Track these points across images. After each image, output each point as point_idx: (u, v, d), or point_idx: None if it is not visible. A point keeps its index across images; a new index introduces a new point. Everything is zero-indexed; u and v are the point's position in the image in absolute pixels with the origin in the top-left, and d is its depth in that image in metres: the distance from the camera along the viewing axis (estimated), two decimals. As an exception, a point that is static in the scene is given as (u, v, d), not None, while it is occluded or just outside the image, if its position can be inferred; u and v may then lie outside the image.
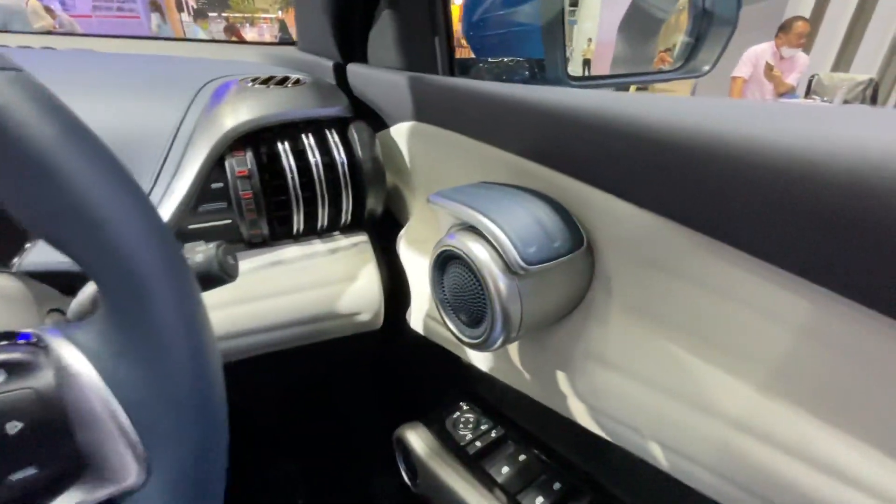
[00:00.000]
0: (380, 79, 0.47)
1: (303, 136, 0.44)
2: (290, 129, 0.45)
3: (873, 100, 3.13)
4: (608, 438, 0.33)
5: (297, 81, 0.47)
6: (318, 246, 0.48)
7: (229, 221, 0.44)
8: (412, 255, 0.47)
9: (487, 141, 0.35)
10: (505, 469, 0.43)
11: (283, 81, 0.47)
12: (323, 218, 0.46)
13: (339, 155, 0.45)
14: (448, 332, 0.39)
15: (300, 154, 0.44)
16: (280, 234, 0.47)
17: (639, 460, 0.34)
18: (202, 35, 4.88)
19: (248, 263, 0.45)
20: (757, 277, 0.23)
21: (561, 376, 0.35)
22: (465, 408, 0.51)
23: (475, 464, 0.44)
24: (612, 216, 0.29)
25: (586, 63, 2.99)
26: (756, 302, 0.24)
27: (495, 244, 0.28)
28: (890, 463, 0.20)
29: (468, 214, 0.29)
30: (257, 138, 0.44)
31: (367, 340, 0.56)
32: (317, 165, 0.44)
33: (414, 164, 0.46)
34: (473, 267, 0.29)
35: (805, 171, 0.19)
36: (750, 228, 0.22)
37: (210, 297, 0.44)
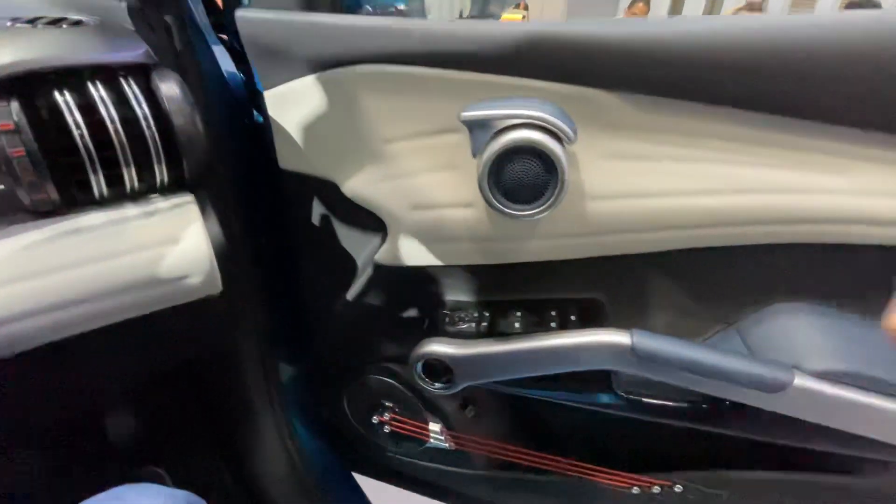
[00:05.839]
0: (292, 22, 0.45)
1: (90, 86, 0.39)
2: (73, 79, 0.39)
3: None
4: (618, 252, 0.46)
5: (78, 23, 0.41)
6: (129, 210, 0.43)
7: (1, 187, 0.38)
8: (388, 191, 0.49)
9: (465, 68, 0.41)
10: (517, 325, 0.50)
11: (56, 22, 0.41)
12: (132, 179, 0.42)
13: (142, 108, 0.41)
14: (448, 246, 0.50)
15: (91, 108, 0.39)
16: (82, 200, 0.41)
17: (626, 264, 0.47)
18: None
19: (36, 234, 0.40)
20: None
21: (565, 226, 0.45)
22: (451, 308, 0.55)
23: (494, 331, 0.51)
24: (585, 100, 0.40)
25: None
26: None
27: (551, 127, 0.38)
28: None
29: (521, 113, 0.38)
30: (31, 89, 0.37)
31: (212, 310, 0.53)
32: (112, 120, 0.39)
33: (364, 108, 0.46)
34: (540, 149, 0.38)
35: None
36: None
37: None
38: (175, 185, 0.46)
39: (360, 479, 0.82)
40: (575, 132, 0.39)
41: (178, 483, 0.73)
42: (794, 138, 0.38)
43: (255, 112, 0.60)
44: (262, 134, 0.55)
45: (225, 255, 0.50)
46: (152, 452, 0.75)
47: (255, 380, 0.72)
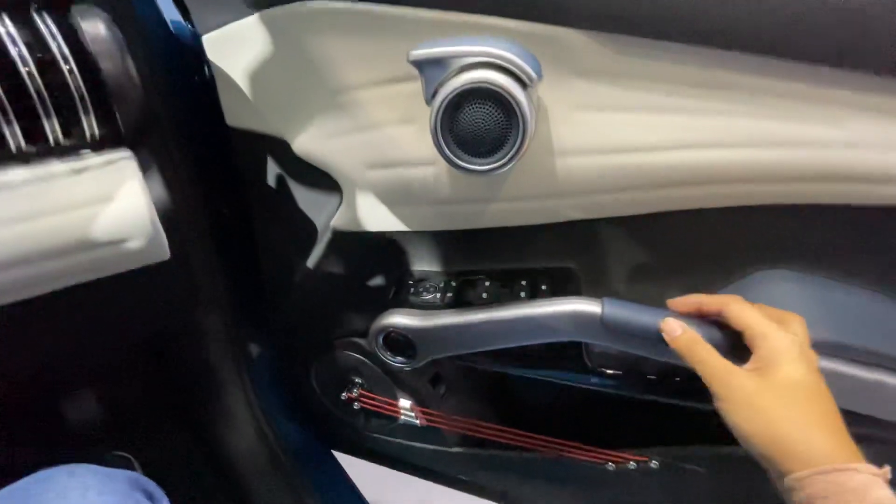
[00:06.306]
0: None
1: None
2: None
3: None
4: (592, 216, 0.42)
5: None
6: (55, 166, 0.40)
7: None
8: (340, 148, 0.45)
9: (423, 4, 0.37)
10: (484, 296, 0.47)
11: None
12: (55, 132, 0.38)
13: (60, 48, 0.37)
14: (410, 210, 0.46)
15: None
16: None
17: (600, 230, 0.44)
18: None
19: None
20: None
21: (534, 186, 0.42)
22: (416, 279, 0.52)
23: (461, 302, 0.48)
24: (554, 41, 0.36)
25: None
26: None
27: (510, 66, 0.33)
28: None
29: (475, 50, 0.34)
30: None
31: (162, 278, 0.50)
32: (24, 61, 0.35)
33: (311, 53, 0.42)
34: (498, 91, 0.33)
35: None
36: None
37: None
38: (111, 141, 0.42)
39: (350, 459, 0.80)
40: (539, 73, 0.35)
41: (147, 467, 0.71)
42: (786, 84, 0.34)
43: (207, 67, 0.56)
44: (213, 89, 0.51)
45: (173, 219, 0.47)
46: (117, 436, 0.73)
47: (222, 355, 0.69)
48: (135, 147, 0.44)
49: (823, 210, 0.38)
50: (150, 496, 0.41)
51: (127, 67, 0.40)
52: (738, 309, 0.34)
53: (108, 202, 0.41)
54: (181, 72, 0.54)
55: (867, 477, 0.27)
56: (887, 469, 0.28)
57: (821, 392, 0.31)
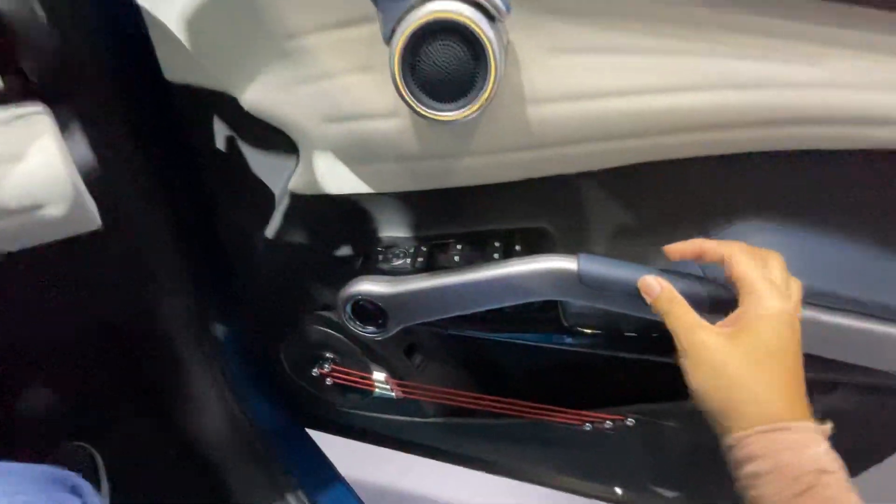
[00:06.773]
0: None
1: None
2: None
3: None
4: (566, 170, 0.40)
5: None
6: None
7: None
8: (294, 100, 0.41)
9: None
10: (457, 259, 0.45)
11: None
12: None
13: None
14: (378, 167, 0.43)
15: None
16: None
17: (574, 187, 0.42)
18: None
19: None
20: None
21: (505, 137, 0.39)
22: (385, 245, 0.49)
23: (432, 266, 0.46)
24: None
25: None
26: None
27: None
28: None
29: None
30: None
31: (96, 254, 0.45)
32: None
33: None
34: (464, 24, 0.30)
35: None
36: None
37: None
38: (18, 94, 0.37)
39: (325, 437, 0.78)
40: (507, 6, 0.31)
41: (110, 458, 0.67)
42: (766, 20, 0.32)
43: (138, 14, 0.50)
44: (147, 39, 0.45)
45: (104, 184, 0.42)
46: (74, 426, 0.68)
47: (185, 335, 0.65)
48: (51, 101, 0.38)
49: (799, 159, 0.37)
50: (74, 490, 0.38)
51: (31, 7, 0.34)
52: (743, 261, 0.31)
53: (16, 162, 0.36)
54: (106, 18, 0.47)
55: (805, 434, 0.26)
56: (828, 426, 0.28)
57: (788, 354, 0.29)
